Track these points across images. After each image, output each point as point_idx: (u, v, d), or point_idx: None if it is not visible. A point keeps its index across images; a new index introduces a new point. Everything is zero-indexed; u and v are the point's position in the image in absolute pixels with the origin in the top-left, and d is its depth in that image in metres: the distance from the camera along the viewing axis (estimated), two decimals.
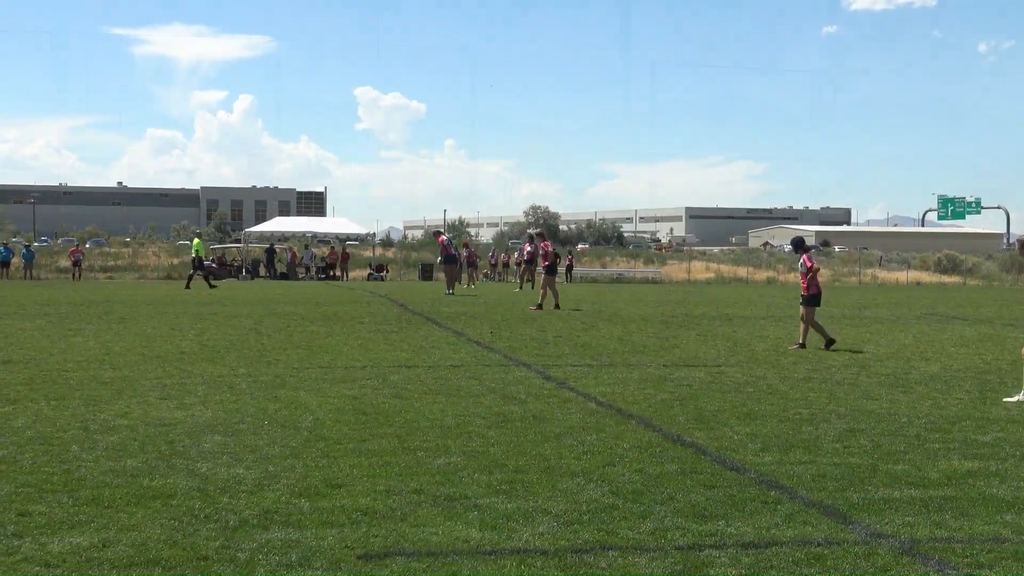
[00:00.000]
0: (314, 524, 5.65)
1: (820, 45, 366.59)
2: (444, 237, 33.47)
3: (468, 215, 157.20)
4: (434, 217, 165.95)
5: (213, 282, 36.25)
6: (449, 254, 32.27)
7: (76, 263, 48.31)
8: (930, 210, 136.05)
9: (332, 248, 54.99)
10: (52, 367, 12.28)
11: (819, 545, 5.39)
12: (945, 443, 8.15)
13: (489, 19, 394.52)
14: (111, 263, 56.77)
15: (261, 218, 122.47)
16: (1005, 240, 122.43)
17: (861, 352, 15.46)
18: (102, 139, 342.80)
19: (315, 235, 59.86)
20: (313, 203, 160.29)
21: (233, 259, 53.04)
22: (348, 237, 60.01)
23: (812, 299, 16.01)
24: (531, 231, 30.27)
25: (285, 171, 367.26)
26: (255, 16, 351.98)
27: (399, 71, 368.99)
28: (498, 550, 5.26)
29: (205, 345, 15.08)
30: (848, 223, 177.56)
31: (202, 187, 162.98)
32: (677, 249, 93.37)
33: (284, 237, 60.94)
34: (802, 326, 16.00)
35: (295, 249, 53.52)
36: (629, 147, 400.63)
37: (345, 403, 9.73)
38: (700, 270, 61.80)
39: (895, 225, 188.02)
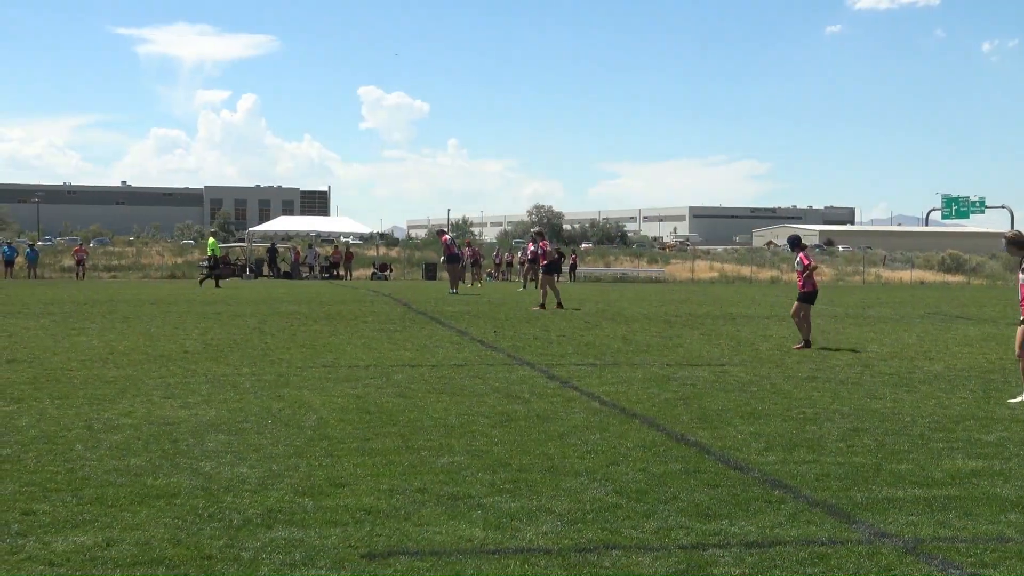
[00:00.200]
0: (318, 523, 5.65)
1: (824, 44, 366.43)
2: (447, 236, 33.47)
3: (472, 214, 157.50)
4: (437, 216, 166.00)
5: (219, 282, 36.33)
6: (452, 253, 32.27)
7: (80, 262, 48.36)
8: (934, 209, 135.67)
9: (336, 247, 55.03)
10: (56, 366, 12.29)
11: (823, 544, 5.38)
12: (949, 442, 8.14)
13: (491, 18, 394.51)
14: (115, 262, 56.82)
15: (265, 217, 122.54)
16: None
17: (864, 351, 15.44)
18: (106, 138, 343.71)
19: (319, 234, 59.90)
20: (317, 202, 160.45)
21: (237, 258, 53.09)
22: (363, 236, 59.53)
23: (808, 297, 16.06)
24: (533, 230, 30.21)
25: (288, 170, 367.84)
26: (259, 15, 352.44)
27: (402, 70, 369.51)
28: (502, 549, 5.26)
29: (209, 344, 15.09)
30: (852, 222, 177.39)
31: (206, 186, 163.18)
32: (681, 248, 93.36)
33: (288, 236, 61.00)
34: (804, 325, 15.99)
35: (299, 248, 53.58)
36: (632, 146, 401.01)
37: (349, 402, 9.74)
38: (704, 269, 61.77)
39: (899, 224, 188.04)
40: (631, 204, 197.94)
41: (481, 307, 25.37)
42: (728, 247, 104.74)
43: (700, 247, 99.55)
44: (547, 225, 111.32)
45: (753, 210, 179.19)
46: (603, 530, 5.60)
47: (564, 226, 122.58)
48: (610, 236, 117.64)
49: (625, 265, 63.17)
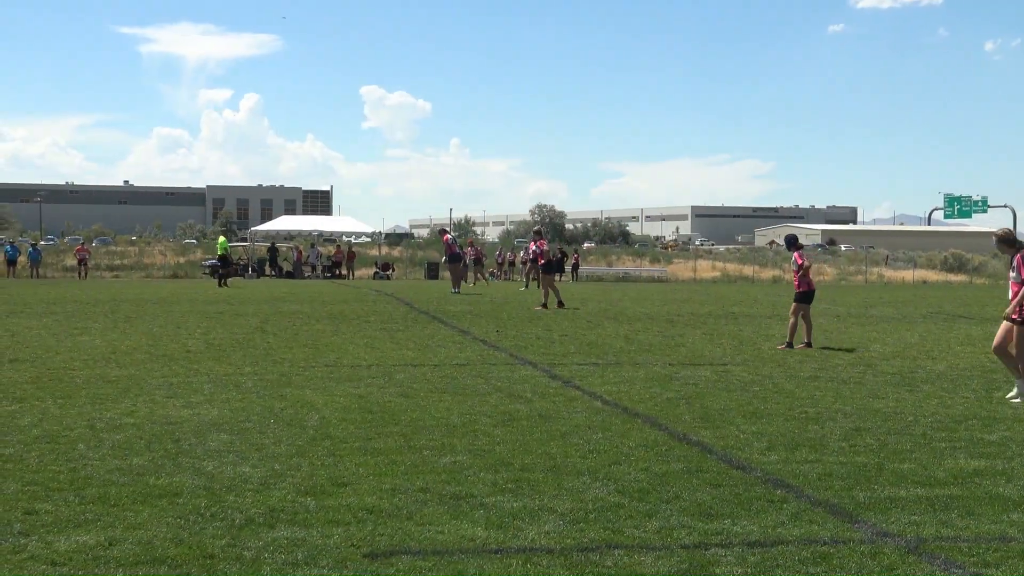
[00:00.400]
0: (320, 523, 5.65)
1: (826, 43, 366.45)
2: (449, 236, 33.48)
3: (474, 214, 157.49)
4: (440, 216, 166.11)
5: (224, 282, 36.40)
6: (454, 253, 32.28)
7: (82, 262, 48.36)
8: (936, 209, 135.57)
9: (338, 247, 55.01)
10: (58, 366, 12.30)
11: (825, 544, 5.38)
12: (951, 442, 8.13)
13: (494, 18, 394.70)
14: (117, 262, 56.85)
15: (267, 217, 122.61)
16: None
17: (867, 351, 15.43)
18: (108, 138, 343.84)
19: (321, 234, 59.93)
20: (319, 202, 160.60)
21: (239, 258, 53.10)
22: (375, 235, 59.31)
23: (804, 296, 16.05)
24: (533, 229, 30.24)
25: (291, 170, 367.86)
26: (262, 15, 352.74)
27: (405, 70, 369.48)
28: (504, 549, 5.26)
29: (211, 344, 15.10)
30: (854, 222, 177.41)
31: (208, 186, 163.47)
32: (683, 248, 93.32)
33: (290, 236, 61.00)
34: (804, 324, 15.98)
35: (301, 248, 53.58)
36: (635, 146, 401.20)
37: (351, 402, 9.74)
38: (706, 269, 61.74)
39: (901, 224, 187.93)
40: (634, 204, 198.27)
41: (483, 307, 25.37)
42: (731, 246, 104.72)
43: (702, 246, 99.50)
44: (549, 224, 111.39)
45: (755, 210, 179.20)
46: (605, 529, 5.60)
47: (567, 225, 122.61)
48: (612, 236, 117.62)
49: (627, 264, 63.17)
